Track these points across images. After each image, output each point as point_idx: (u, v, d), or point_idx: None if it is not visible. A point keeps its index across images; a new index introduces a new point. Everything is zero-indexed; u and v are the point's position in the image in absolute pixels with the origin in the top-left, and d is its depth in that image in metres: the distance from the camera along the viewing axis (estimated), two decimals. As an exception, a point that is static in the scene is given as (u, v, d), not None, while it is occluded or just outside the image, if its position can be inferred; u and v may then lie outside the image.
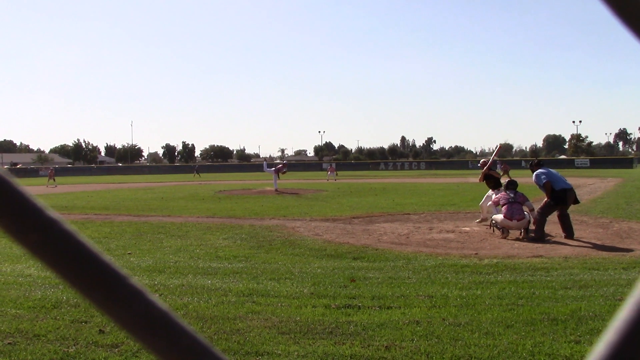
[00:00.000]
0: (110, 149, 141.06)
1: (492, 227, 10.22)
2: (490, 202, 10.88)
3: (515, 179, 10.97)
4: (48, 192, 27.50)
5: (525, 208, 9.56)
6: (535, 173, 9.83)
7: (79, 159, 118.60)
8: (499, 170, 15.23)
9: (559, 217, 9.49)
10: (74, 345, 4.16)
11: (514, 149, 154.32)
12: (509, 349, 3.95)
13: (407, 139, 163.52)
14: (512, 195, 9.72)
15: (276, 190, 23.82)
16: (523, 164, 55.66)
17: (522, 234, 9.47)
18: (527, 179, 12.73)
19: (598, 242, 8.89)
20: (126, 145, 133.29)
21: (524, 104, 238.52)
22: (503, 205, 9.65)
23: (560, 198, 9.48)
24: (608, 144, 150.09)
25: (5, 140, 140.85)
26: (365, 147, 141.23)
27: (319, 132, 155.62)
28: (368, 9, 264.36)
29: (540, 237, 9.26)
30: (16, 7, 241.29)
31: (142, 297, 0.33)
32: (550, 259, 7.40)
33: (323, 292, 5.65)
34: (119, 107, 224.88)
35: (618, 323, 0.33)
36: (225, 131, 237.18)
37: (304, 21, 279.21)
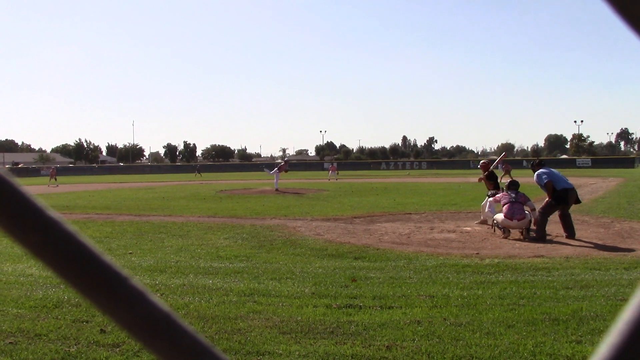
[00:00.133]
0: (111, 149, 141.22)
1: (493, 227, 10.22)
2: (490, 199, 10.89)
3: (516, 179, 10.97)
4: (49, 192, 27.53)
5: (526, 208, 9.56)
6: (536, 173, 9.82)
7: (80, 158, 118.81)
8: (500, 170, 15.22)
9: (561, 217, 9.48)
10: (75, 344, 4.16)
11: (515, 149, 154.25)
12: (510, 348, 3.95)
13: (408, 138, 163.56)
14: (513, 195, 9.71)
15: (276, 190, 23.82)
16: (524, 163, 55.56)
17: (524, 233, 9.47)
18: (528, 179, 12.71)
19: (599, 242, 8.88)
20: (128, 144, 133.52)
21: (526, 104, 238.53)
22: (504, 205, 9.65)
23: (562, 198, 9.47)
24: (610, 143, 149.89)
25: (6, 139, 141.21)
26: (367, 147, 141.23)
27: (321, 131, 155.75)
28: (369, 8, 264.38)
29: (541, 237, 9.26)
30: (17, 7, 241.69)
31: (143, 298, 0.33)
32: (551, 259, 7.40)
33: (324, 292, 5.65)
34: (120, 106, 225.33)
35: (620, 324, 0.33)
36: (227, 131, 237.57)
37: (306, 21, 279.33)
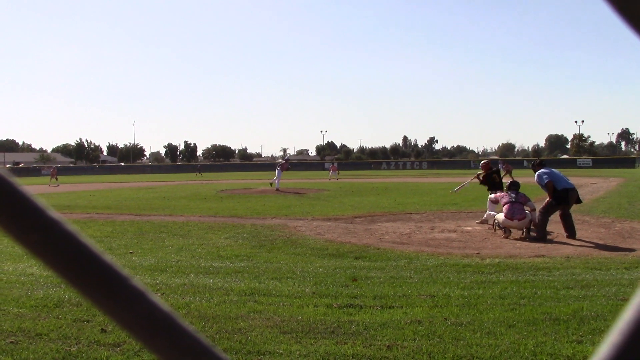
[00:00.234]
0: (112, 149, 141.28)
1: (494, 227, 10.23)
2: (490, 196, 10.90)
3: (517, 179, 10.97)
4: (50, 192, 27.55)
5: (526, 208, 9.56)
6: (537, 173, 9.82)
7: (81, 158, 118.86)
8: (501, 170, 15.20)
9: (561, 216, 9.48)
10: (76, 344, 4.16)
11: (516, 149, 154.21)
12: (510, 348, 3.95)
13: (409, 138, 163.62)
14: (513, 195, 9.72)
15: (277, 189, 23.83)
16: (525, 163, 55.55)
17: (524, 233, 9.47)
18: (529, 179, 12.71)
19: (600, 242, 8.87)
20: (128, 144, 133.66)
21: (527, 104, 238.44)
22: (504, 205, 9.65)
23: (563, 198, 9.47)
24: (610, 143, 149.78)
25: (7, 139, 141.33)
26: (367, 147, 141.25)
27: (321, 131, 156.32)
28: (370, 8, 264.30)
29: (542, 236, 9.26)
30: (18, 7, 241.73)
31: (144, 297, 0.33)
32: (552, 259, 7.39)
33: (325, 292, 5.65)
34: (121, 106, 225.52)
35: (621, 324, 0.33)
36: (228, 131, 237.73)
37: (307, 21, 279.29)
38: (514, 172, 25.58)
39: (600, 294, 5.38)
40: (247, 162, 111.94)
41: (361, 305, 5.11)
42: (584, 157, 79.21)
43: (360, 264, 7.25)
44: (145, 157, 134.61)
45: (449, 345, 4.04)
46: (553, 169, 10.03)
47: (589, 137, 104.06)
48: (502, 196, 9.97)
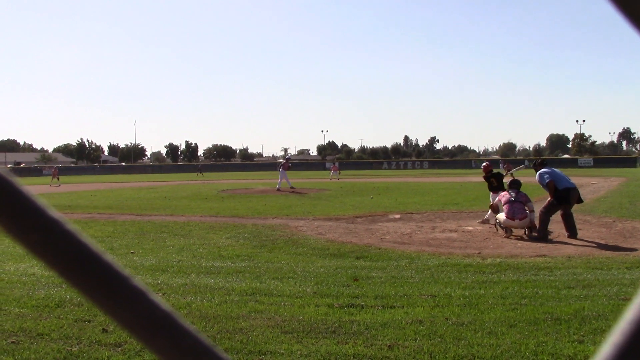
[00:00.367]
0: (113, 148, 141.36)
1: (496, 227, 10.22)
2: (493, 203, 10.88)
3: (517, 178, 10.95)
4: (51, 191, 27.57)
5: (526, 208, 9.55)
6: (538, 172, 9.81)
7: (82, 158, 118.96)
8: (502, 170, 15.18)
9: (563, 216, 9.47)
10: (77, 344, 4.17)
11: (517, 149, 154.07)
12: (512, 348, 3.94)
13: (410, 138, 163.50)
14: (513, 194, 9.71)
15: (278, 189, 23.84)
16: (526, 163, 55.51)
17: (526, 233, 9.47)
18: (530, 179, 12.70)
19: (601, 242, 8.87)
20: (129, 144, 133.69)
21: (528, 104, 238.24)
22: (504, 205, 9.65)
23: (564, 197, 9.46)
24: (612, 143, 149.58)
25: (8, 139, 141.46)
26: (369, 147, 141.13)
27: (322, 131, 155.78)
28: (371, 8, 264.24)
29: (543, 236, 9.25)
30: (18, 7, 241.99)
31: (145, 297, 0.33)
32: (553, 259, 7.39)
33: (326, 292, 5.65)
34: (122, 106, 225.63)
35: (623, 324, 0.32)
36: (229, 130, 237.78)
37: (307, 20, 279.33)
38: (516, 172, 25.54)
39: (601, 294, 5.37)
40: (248, 162, 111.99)
41: (362, 305, 5.11)
42: (585, 156, 79.13)
43: (362, 263, 7.25)
44: (146, 157, 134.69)
45: (450, 345, 4.04)
46: (554, 169, 10.02)
47: (590, 136, 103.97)
48: (502, 195, 9.96)
